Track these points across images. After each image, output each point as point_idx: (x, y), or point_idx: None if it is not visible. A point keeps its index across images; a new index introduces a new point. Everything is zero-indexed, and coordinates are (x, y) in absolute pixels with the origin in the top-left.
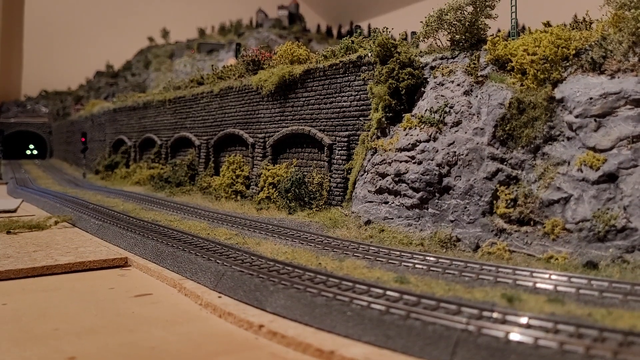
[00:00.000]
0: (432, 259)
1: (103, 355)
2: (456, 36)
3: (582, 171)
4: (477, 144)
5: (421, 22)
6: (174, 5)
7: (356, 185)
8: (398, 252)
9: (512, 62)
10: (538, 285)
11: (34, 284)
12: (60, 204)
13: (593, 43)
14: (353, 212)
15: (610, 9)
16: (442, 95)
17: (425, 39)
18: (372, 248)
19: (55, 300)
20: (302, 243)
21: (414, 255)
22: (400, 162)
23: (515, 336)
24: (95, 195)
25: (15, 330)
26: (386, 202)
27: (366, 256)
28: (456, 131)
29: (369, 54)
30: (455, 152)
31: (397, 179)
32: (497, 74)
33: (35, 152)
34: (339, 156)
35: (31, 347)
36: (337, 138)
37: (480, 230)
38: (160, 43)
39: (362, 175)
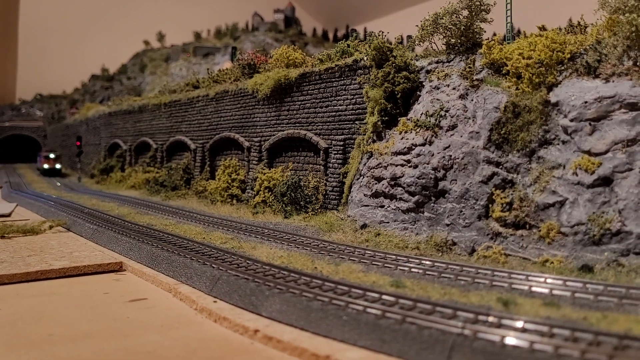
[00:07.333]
0: (427, 262)
1: None
2: (452, 40)
3: (577, 175)
4: (473, 147)
5: (417, 26)
6: (170, 8)
7: (352, 189)
8: (394, 256)
9: (507, 65)
10: (533, 289)
11: (28, 288)
12: (55, 208)
13: (588, 47)
14: (349, 216)
15: (604, 13)
16: (437, 99)
17: (421, 43)
18: (368, 252)
19: (50, 305)
20: (297, 247)
21: (410, 259)
22: (396, 165)
23: (510, 340)
24: (90, 199)
25: (10, 335)
26: (382, 206)
27: (362, 260)
28: (452, 135)
29: (365, 58)
30: (451, 155)
31: (393, 182)
32: (493, 77)
33: (58, 166)
34: (334, 160)
35: (26, 352)
36: (333, 142)
37: (476, 234)
38: (156, 46)
39: (358, 179)
